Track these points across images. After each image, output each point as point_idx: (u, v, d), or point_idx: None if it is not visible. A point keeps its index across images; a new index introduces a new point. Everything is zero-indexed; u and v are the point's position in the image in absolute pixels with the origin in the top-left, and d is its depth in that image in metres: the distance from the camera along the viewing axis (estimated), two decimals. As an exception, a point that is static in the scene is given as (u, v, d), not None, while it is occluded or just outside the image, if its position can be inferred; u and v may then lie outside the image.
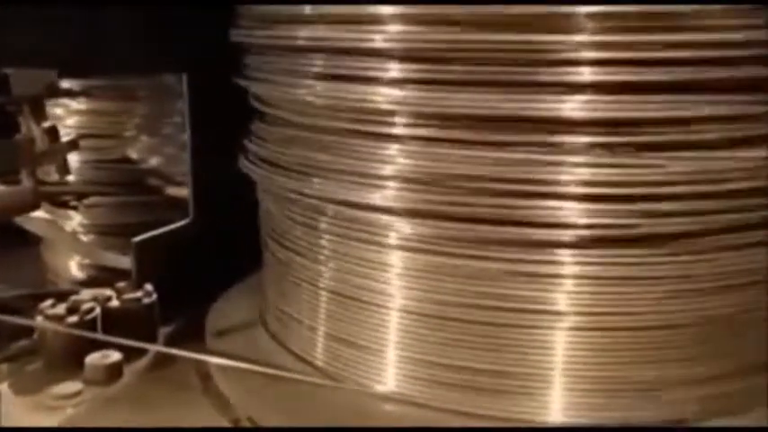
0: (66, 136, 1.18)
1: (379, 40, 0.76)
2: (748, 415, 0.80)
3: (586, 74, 0.71)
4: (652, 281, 0.77)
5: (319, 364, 0.90)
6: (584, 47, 0.71)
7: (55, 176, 1.11)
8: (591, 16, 0.70)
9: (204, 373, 0.90)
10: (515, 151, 0.74)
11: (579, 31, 0.71)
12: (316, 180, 0.85)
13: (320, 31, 0.81)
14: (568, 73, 0.72)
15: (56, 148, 1.05)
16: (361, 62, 0.78)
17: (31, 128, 1.02)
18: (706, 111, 0.73)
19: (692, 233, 0.76)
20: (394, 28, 0.76)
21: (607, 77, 0.71)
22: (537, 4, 0.71)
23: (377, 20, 0.77)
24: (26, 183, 1.02)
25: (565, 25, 0.71)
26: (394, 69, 0.77)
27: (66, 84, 1.30)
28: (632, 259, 0.76)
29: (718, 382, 0.81)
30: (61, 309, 0.95)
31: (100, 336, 0.92)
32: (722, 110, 0.74)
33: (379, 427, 0.80)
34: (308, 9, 0.82)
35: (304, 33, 0.83)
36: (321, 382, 0.85)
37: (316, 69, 0.83)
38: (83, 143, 1.26)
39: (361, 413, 0.81)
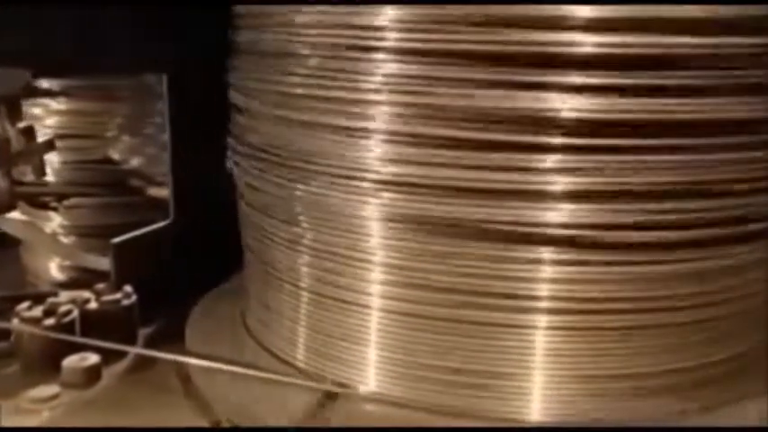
0: (44, 136, 1.17)
1: (373, 39, 0.77)
2: (733, 410, 0.81)
3: (573, 75, 0.72)
4: (633, 281, 0.77)
5: (300, 365, 0.89)
6: (573, 48, 0.71)
7: (31, 177, 1.10)
8: (582, 17, 0.71)
9: (185, 374, 0.90)
10: (498, 151, 0.74)
11: (567, 31, 0.71)
12: (297, 181, 0.85)
13: (314, 30, 0.82)
14: (555, 74, 0.72)
15: (32, 149, 1.04)
16: (355, 59, 0.78)
17: (6, 128, 1.01)
18: (695, 114, 0.74)
19: (675, 235, 0.76)
20: (388, 26, 0.76)
21: (595, 80, 0.72)
22: (530, 5, 0.71)
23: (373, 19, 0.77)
24: (1, 183, 1.01)
25: (553, 26, 0.71)
26: (382, 67, 0.77)
27: (45, 83, 1.28)
28: (612, 258, 0.76)
29: (702, 378, 0.82)
30: (38, 311, 0.94)
31: (77, 338, 0.91)
32: (710, 113, 0.74)
33: (361, 428, 0.79)
34: (304, 9, 0.82)
35: (297, 33, 0.83)
36: (302, 382, 0.85)
37: (307, 69, 0.83)
38: (63, 143, 1.24)
39: (341, 413, 0.80)
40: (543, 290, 0.76)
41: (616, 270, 0.76)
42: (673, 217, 0.75)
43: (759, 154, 0.78)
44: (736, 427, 0.79)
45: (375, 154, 0.79)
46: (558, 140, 0.73)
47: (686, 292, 0.78)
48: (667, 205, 0.75)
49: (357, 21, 0.78)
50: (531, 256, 0.76)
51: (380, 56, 0.77)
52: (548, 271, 0.76)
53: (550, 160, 0.74)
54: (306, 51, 0.83)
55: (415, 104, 0.76)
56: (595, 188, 0.74)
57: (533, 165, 0.74)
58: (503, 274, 0.77)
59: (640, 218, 0.75)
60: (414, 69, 0.75)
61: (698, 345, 0.81)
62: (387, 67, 0.76)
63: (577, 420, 0.78)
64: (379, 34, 0.76)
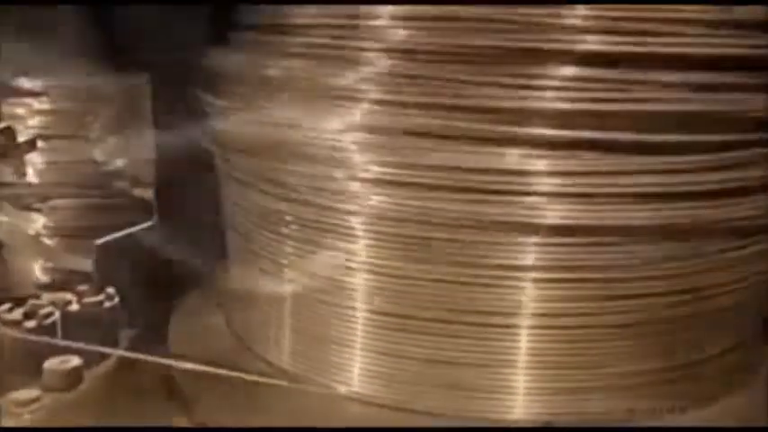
0: (27, 136, 1.16)
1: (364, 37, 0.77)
2: (728, 407, 0.81)
3: (565, 70, 0.72)
4: (624, 279, 0.77)
5: (284, 366, 0.89)
6: (570, 46, 0.72)
7: (11, 178, 1.09)
8: (573, 14, 0.71)
9: (168, 377, 0.89)
10: (486, 146, 0.74)
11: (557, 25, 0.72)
12: (282, 182, 0.85)
13: (303, 30, 0.82)
14: (550, 71, 0.72)
15: (11, 149, 1.03)
16: (344, 58, 0.79)
17: (-17, 129, 0.99)
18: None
19: (660, 233, 0.76)
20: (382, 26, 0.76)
21: (584, 72, 0.72)
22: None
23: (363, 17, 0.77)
24: (-20, 184, 1.00)
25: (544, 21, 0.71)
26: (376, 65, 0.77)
27: (28, 83, 1.27)
28: (600, 255, 0.76)
29: (696, 376, 0.82)
30: (19, 313, 0.93)
31: (58, 341, 0.90)
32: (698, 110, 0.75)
33: (345, 428, 0.79)
34: (294, 9, 0.82)
35: (284, 33, 0.83)
36: (286, 384, 0.84)
37: (293, 69, 0.83)
38: (47, 144, 1.23)
39: (326, 415, 0.80)
40: (530, 287, 0.76)
41: (599, 269, 0.76)
42: (667, 216, 0.75)
43: (758, 153, 0.78)
44: (735, 427, 0.79)
45: (362, 155, 0.78)
46: (545, 140, 0.73)
47: (679, 290, 0.78)
48: (662, 205, 0.75)
49: (347, 19, 0.78)
50: (516, 254, 0.76)
51: (373, 54, 0.77)
52: (535, 270, 0.76)
53: (540, 160, 0.74)
54: (293, 51, 0.83)
55: (403, 103, 0.76)
56: (575, 188, 0.74)
57: (522, 165, 0.74)
58: (489, 273, 0.77)
59: (633, 217, 0.75)
60: (408, 67, 0.76)
61: (691, 342, 0.81)
62: (379, 65, 0.77)
63: (575, 420, 0.78)
64: (371, 32, 0.77)
